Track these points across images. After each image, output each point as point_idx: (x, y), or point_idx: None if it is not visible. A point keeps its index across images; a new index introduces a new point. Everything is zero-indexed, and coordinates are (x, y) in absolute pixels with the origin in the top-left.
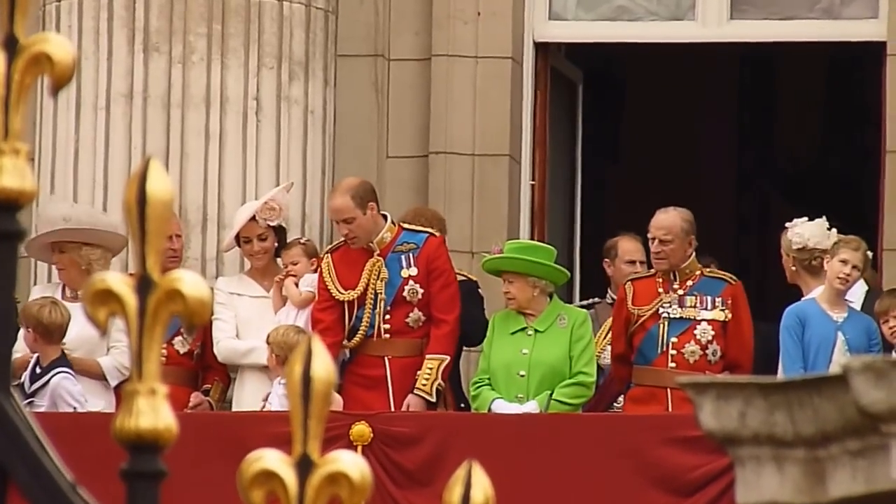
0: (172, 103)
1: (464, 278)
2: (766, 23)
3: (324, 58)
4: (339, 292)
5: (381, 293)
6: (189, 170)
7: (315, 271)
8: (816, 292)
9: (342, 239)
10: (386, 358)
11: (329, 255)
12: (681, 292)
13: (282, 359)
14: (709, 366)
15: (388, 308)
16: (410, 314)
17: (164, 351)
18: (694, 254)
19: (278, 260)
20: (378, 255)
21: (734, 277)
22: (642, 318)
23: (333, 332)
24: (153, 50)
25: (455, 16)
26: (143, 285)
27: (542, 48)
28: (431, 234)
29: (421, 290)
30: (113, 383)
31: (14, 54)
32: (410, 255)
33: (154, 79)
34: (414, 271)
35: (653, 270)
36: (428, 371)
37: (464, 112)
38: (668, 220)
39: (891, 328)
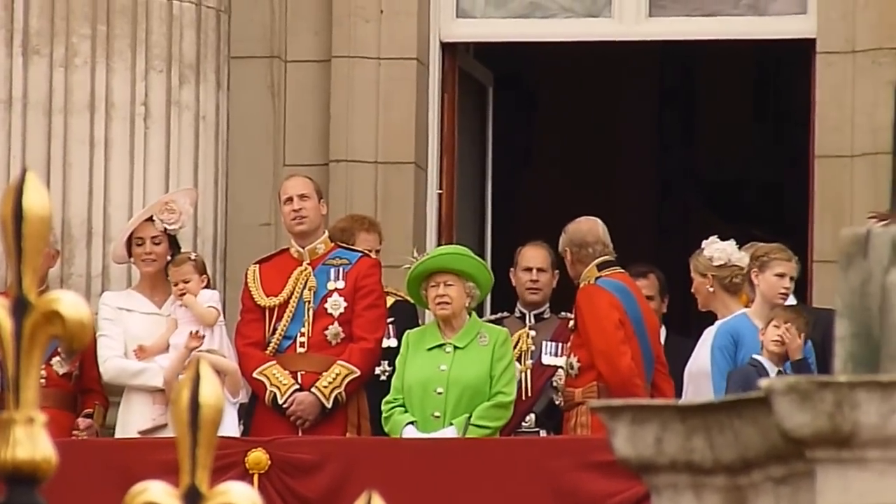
0: (54, 109)
1: (401, 299)
2: (688, 19)
3: (216, 60)
4: (262, 297)
5: (308, 301)
6: (72, 180)
7: (206, 288)
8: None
9: (269, 254)
10: (299, 374)
11: (256, 266)
12: None
13: None
14: None
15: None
16: (330, 327)
17: (44, 372)
18: None
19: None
20: (307, 264)
21: None
22: None
23: (262, 346)
24: (33, 52)
25: (356, 14)
26: (19, 307)
27: (449, 48)
28: (367, 255)
29: (344, 304)
30: None
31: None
32: (341, 269)
33: (34, 83)
34: (341, 284)
35: None
36: (333, 375)
37: (366, 117)
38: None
39: (771, 338)
